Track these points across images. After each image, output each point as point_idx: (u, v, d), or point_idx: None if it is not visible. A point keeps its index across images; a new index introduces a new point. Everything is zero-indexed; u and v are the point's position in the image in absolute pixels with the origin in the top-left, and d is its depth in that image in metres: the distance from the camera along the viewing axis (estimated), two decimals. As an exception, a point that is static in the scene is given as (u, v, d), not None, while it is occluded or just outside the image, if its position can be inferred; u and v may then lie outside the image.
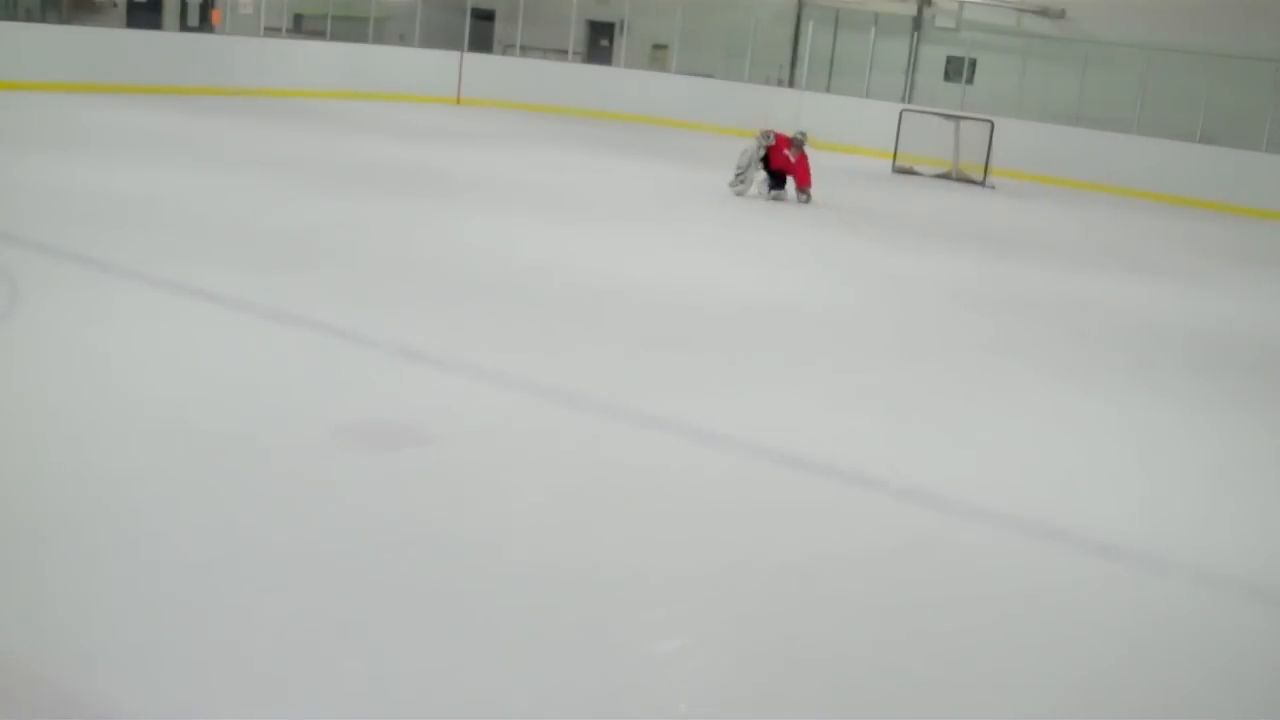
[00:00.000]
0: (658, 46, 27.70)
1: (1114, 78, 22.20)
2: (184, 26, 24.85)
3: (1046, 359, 8.98)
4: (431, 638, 4.09)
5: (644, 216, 13.97)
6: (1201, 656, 4.63)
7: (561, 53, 27.54)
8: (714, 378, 7.61)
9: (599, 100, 25.91)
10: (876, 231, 14.43)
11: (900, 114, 21.49)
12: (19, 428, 5.61)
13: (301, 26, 26.38)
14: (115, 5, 24.74)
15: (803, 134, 15.90)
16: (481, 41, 28.02)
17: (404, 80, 25.05)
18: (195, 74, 21.91)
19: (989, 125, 20.15)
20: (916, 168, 20.79)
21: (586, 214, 13.63)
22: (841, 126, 23.02)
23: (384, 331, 7.79)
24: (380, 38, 26.14)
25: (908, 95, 24.75)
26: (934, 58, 25.31)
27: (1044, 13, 24.14)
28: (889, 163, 21.20)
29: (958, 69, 24.58)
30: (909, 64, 25.46)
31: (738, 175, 15.81)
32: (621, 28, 28.28)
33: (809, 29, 26.10)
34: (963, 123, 20.73)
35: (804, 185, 15.66)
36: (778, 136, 15.69)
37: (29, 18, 23.62)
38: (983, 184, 20.03)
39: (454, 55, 26.16)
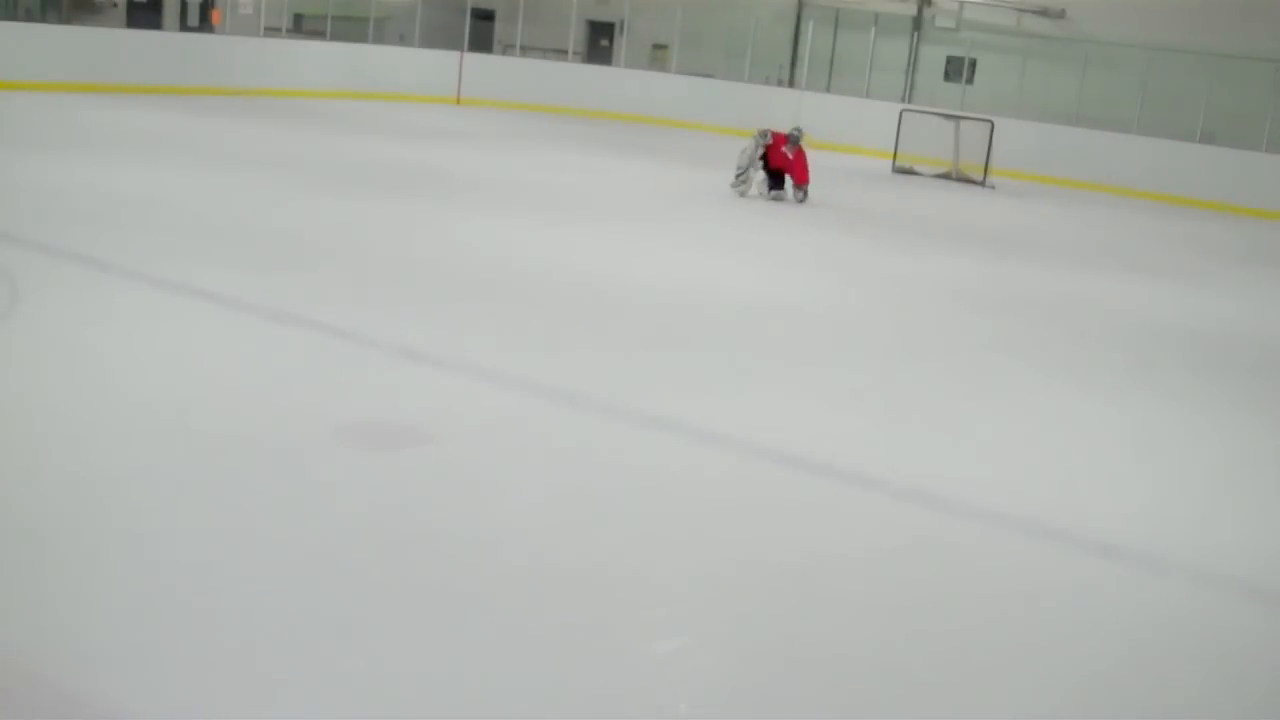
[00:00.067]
0: (658, 46, 27.70)
1: (1114, 78, 22.21)
2: (184, 26, 24.85)
3: (1046, 359, 8.98)
4: (431, 638, 4.09)
5: (644, 216, 13.97)
6: (1201, 656, 4.63)
7: (561, 53, 27.54)
8: (714, 378, 7.61)
9: (599, 100, 25.91)
10: (876, 231, 14.43)
11: (900, 114, 21.49)
12: (19, 428, 5.61)
13: (301, 26, 26.38)
14: (115, 5, 24.73)
15: (799, 130, 15.92)
16: (481, 41, 28.02)
17: (404, 80, 25.05)
18: (195, 74, 21.91)
19: (989, 125, 20.16)
20: (916, 168, 20.79)
21: (586, 214, 13.63)
22: (841, 126, 23.03)
23: (384, 331, 7.79)
24: (380, 38, 26.14)
25: (908, 95, 24.76)
26: (934, 58, 25.31)
27: (1044, 13, 24.15)
28: (889, 163, 21.20)
29: (958, 69, 24.58)
30: (909, 64, 25.47)
31: (738, 176, 15.82)
32: (621, 28, 28.28)
33: (809, 29, 26.10)
34: (963, 123, 20.74)
35: (801, 182, 15.66)
36: (775, 135, 15.70)
37: (29, 18, 23.63)
38: (983, 184, 20.03)
39: (454, 55, 26.16)
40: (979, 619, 4.70)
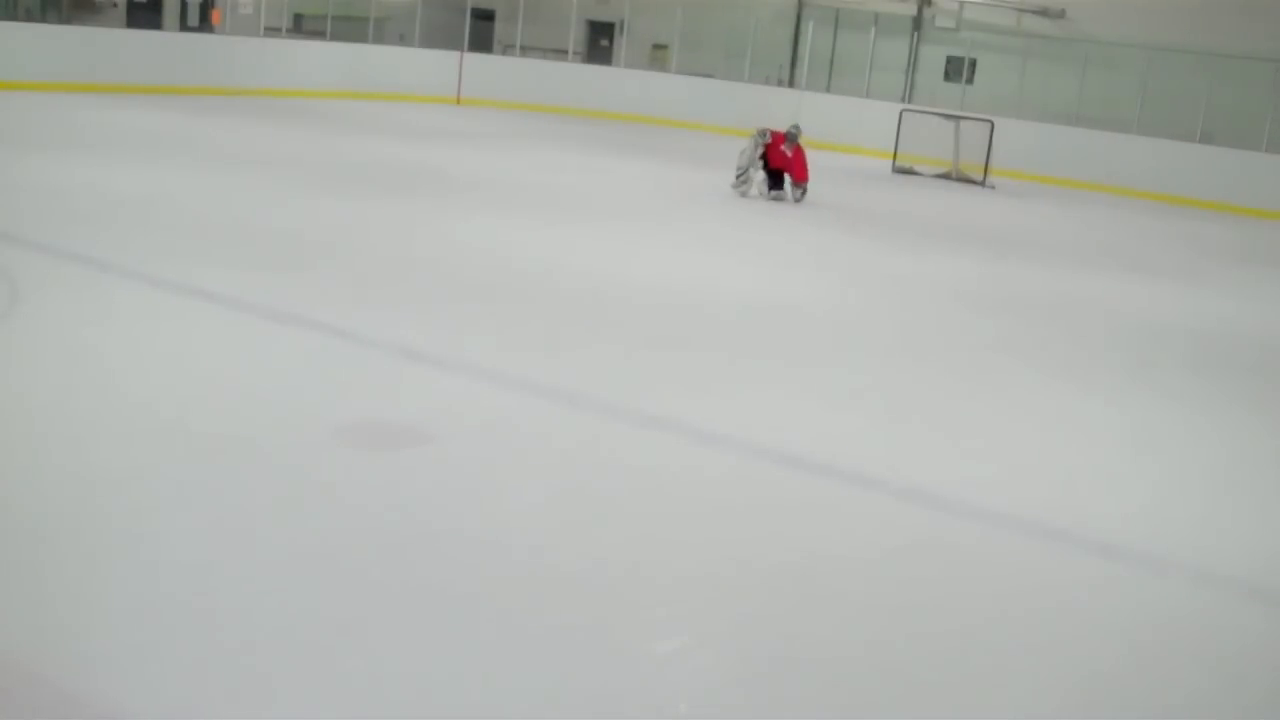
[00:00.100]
0: (658, 46, 27.70)
1: (1114, 78, 22.21)
2: (184, 26, 24.86)
3: (1046, 359, 8.98)
4: (431, 638, 4.09)
5: (644, 216, 13.97)
6: (1201, 656, 4.63)
7: (561, 53, 27.54)
8: (714, 378, 7.61)
9: (599, 100, 25.91)
10: (876, 231, 14.43)
11: (900, 114, 21.50)
12: (19, 428, 5.61)
13: (301, 26, 26.38)
14: (115, 5, 24.74)
15: (796, 126, 15.94)
16: (481, 41, 28.02)
17: (404, 80, 25.05)
18: (195, 74, 21.91)
19: (989, 125, 20.16)
20: (916, 168, 20.80)
21: (586, 214, 13.63)
22: (841, 126, 23.03)
23: (383, 331, 7.79)
24: (380, 38, 26.14)
25: (908, 95, 24.76)
26: (934, 58, 25.32)
27: (1044, 13, 24.15)
28: (889, 163, 21.21)
29: (958, 69, 24.58)
30: (909, 64, 25.47)
31: (739, 177, 15.82)
32: (621, 28, 28.28)
33: (809, 29, 26.10)
34: (963, 123, 20.74)
35: (800, 179, 15.67)
36: (773, 133, 15.71)
37: (29, 18, 23.63)
38: (983, 184, 20.04)
39: (454, 55, 26.16)
40: (979, 619, 4.70)
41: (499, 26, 28.92)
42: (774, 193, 15.75)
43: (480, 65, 26.39)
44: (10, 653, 3.75)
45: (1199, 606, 5.09)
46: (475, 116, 23.67)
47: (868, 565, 5.06)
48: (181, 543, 4.59)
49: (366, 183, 13.99)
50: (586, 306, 9.13)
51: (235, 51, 22.94)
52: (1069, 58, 22.65)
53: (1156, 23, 22.20)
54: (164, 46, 22.48)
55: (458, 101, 26.02)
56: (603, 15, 28.53)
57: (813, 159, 16.05)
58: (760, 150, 15.67)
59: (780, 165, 15.73)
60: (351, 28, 25.20)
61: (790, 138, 15.67)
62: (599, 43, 28.96)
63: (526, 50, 27.68)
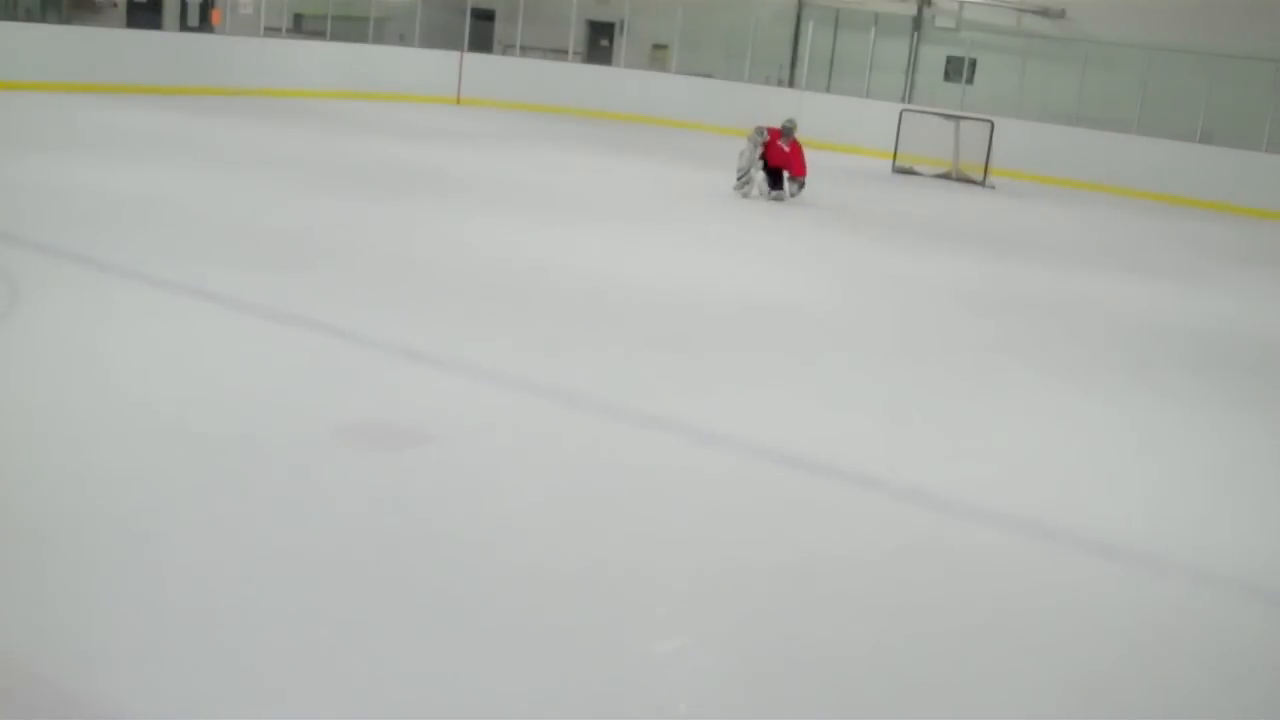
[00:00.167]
0: (658, 46, 27.70)
1: (1114, 78, 22.21)
2: (184, 26, 24.86)
3: (1046, 359, 8.98)
4: (431, 638, 4.09)
5: (644, 216, 13.97)
6: (1201, 656, 4.63)
7: (561, 53, 27.53)
8: (714, 378, 7.61)
9: (599, 100, 25.91)
10: (876, 231, 14.43)
11: (900, 114, 21.50)
12: (19, 428, 5.61)
13: (301, 26, 26.38)
14: (115, 5, 24.74)
15: (792, 120, 15.97)
16: (481, 41, 28.01)
17: (404, 80, 25.05)
18: (195, 74, 21.92)
19: (989, 125, 20.16)
20: (916, 168, 20.79)
21: (586, 214, 13.63)
22: (841, 126, 23.03)
23: (383, 331, 7.79)
24: (380, 38, 26.14)
25: (908, 95, 24.75)
26: (934, 58, 25.31)
27: (1044, 13, 24.14)
28: (889, 163, 21.20)
29: (958, 69, 24.58)
30: (909, 64, 25.46)
31: (740, 179, 15.82)
32: (621, 28, 28.28)
33: (809, 29, 26.10)
34: (963, 123, 20.73)
35: (798, 174, 15.68)
36: (770, 130, 15.71)
37: (29, 18, 23.63)
38: (983, 184, 20.03)
39: (454, 55, 26.16)
40: (979, 619, 4.70)
41: (499, 26, 28.91)
42: (774, 193, 15.74)
43: (480, 65, 26.39)
44: (10, 653, 3.75)
45: (1199, 606, 5.09)
46: (475, 116, 23.67)
47: (867, 565, 5.06)
48: (181, 543, 4.59)
49: (366, 183, 13.99)
50: (586, 306, 9.13)
51: (235, 51, 22.94)
52: (1069, 58, 22.65)
53: (1156, 23, 22.20)
54: (164, 46, 22.48)
55: (458, 101, 26.01)
56: (603, 15, 28.52)
57: (813, 159, 16.06)
58: (759, 151, 15.67)
59: (780, 162, 15.73)
60: (351, 28, 25.20)
61: (786, 131, 15.70)
62: (599, 43, 28.96)
63: (526, 50, 27.68)
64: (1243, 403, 8.24)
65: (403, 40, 26.56)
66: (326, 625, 4.11)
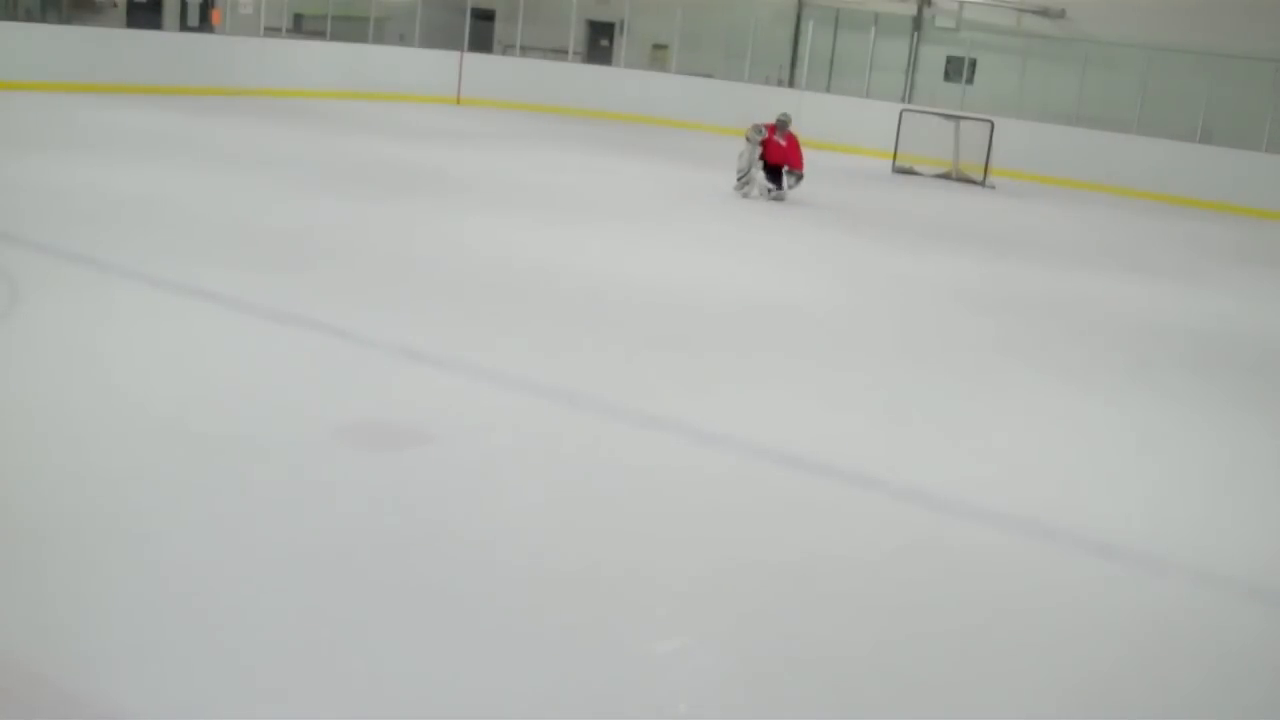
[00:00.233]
0: (658, 46, 27.69)
1: (1114, 78, 22.20)
2: (184, 26, 24.85)
3: (1046, 359, 8.98)
4: (431, 638, 4.09)
5: (644, 216, 13.97)
6: (1201, 656, 4.63)
7: (561, 53, 27.53)
8: (714, 378, 7.61)
9: (599, 100, 25.91)
10: (876, 231, 14.43)
11: (900, 114, 21.49)
12: (19, 428, 5.61)
13: (301, 26, 26.37)
14: (115, 5, 24.74)
15: (786, 115, 16.01)
16: (481, 41, 28.01)
17: (404, 80, 25.04)
18: (195, 74, 21.91)
19: (989, 125, 20.15)
20: (916, 168, 20.79)
21: (587, 214, 13.63)
22: (841, 126, 23.02)
23: (383, 331, 7.79)
24: (380, 38, 26.14)
25: (908, 95, 24.75)
26: (934, 58, 25.30)
27: (1044, 13, 24.14)
28: (889, 163, 21.20)
29: (958, 69, 24.57)
30: (909, 64, 25.46)
31: (740, 179, 15.82)
32: (621, 28, 28.27)
33: (809, 29, 26.09)
34: (963, 123, 20.73)
35: (796, 167, 15.69)
36: (767, 127, 15.72)
37: (29, 18, 23.61)
38: (983, 184, 20.03)
39: (454, 55, 26.16)
40: (979, 619, 4.70)
41: (499, 26, 28.91)
42: (775, 192, 15.74)
43: (480, 65, 26.38)
44: (10, 653, 3.75)
45: (1199, 606, 5.09)
46: (475, 116, 23.67)
47: (868, 565, 5.06)
48: (181, 543, 4.59)
49: (366, 183, 13.99)
50: (586, 306, 9.13)
51: (235, 51, 22.94)
52: (1069, 58, 22.64)
53: (1156, 23, 22.20)
54: (164, 46, 22.48)
55: (458, 101, 26.01)
56: (603, 15, 28.52)
57: (813, 159, 16.06)
58: (758, 150, 15.67)
59: (778, 159, 15.73)
60: (351, 28, 25.20)
61: (781, 125, 15.73)
62: (599, 43, 28.95)
63: (526, 50, 27.67)
64: (1243, 403, 8.24)
65: (403, 40, 26.55)
66: (326, 625, 4.11)
